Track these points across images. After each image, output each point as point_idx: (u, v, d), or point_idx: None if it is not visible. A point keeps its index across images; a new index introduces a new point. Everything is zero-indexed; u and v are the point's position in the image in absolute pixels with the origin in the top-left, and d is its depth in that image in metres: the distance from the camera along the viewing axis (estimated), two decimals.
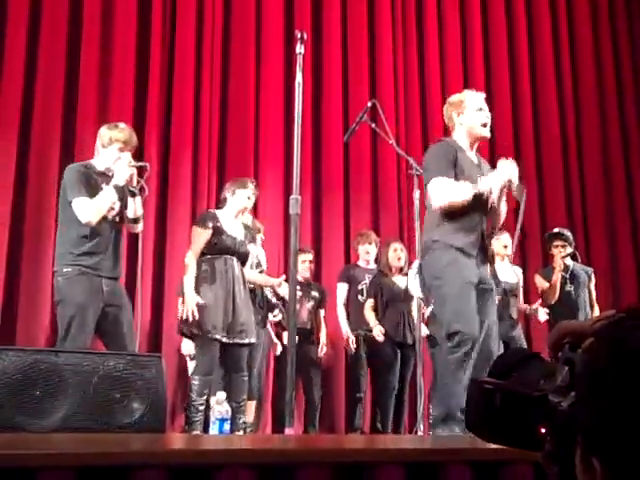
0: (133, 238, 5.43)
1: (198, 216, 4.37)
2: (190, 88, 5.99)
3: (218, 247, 4.11)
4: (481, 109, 3.45)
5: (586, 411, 0.62)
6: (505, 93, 6.94)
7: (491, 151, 5.94)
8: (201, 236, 4.12)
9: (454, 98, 3.55)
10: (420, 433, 4.26)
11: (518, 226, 3.55)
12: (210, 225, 4.12)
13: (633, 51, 7.56)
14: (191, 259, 4.12)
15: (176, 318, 4.40)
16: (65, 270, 3.47)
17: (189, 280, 4.06)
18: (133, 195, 3.67)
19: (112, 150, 3.60)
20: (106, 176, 3.60)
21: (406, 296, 5.21)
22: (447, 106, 3.56)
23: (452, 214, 3.30)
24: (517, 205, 3.51)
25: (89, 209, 3.46)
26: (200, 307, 3.98)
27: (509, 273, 5.37)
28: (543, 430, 0.67)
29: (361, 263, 5.60)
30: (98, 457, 1.36)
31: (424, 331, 5.07)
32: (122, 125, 3.72)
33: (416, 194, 4.24)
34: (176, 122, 5.91)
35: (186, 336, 4.39)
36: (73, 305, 3.42)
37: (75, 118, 5.52)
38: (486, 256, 3.42)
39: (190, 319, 3.96)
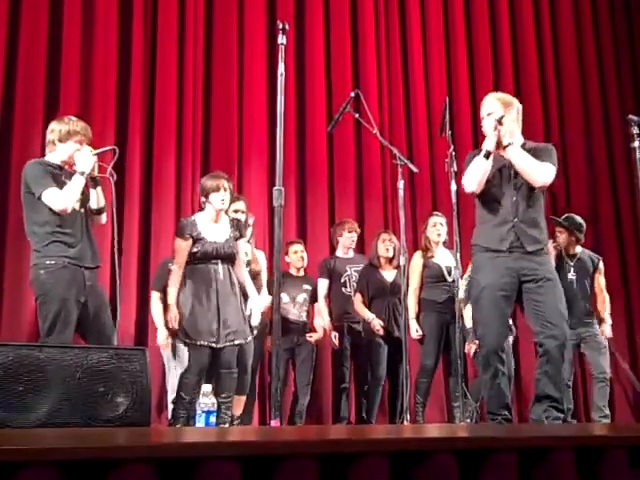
0: (117, 232, 5.41)
1: (177, 226, 4.37)
2: (173, 80, 5.95)
3: (200, 255, 4.14)
4: (483, 117, 3.57)
5: None
6: (488, 80, 6.94)
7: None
8: (182, 247, 4.17)
9: None
10: (406, 423, 4.28)
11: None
12: (188, 235, 4.16)
13: (613, 29, 7.61)
14: (176, 270, 4.18)
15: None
16: (48, 262, 3.44)
17: (172, 291, 4.14)
18: (95, 185, 3.66)
19: (70, 143, 3.59)
20: (64, 170, 3.58)
21: (394, 289, 5.19)
22: None
23: (483, 212, 3.44)
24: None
25: (62, 197, 3.45)
26: (184, 316, 4.06)
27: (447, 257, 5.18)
28: None
29: (340, 253, 5.53)
30: (83, 451, 1.34)
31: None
32: (74, 118, 3.72)
33: (400, 184, 4.23)
34: (159, 114, 5.87)
35: (180, 341, 4.40)
36: (57, 300, 3.39)
37: (57, 114, 5.44)
38: (524, 247, 3.31)
39: (176, 327, 4.08)
